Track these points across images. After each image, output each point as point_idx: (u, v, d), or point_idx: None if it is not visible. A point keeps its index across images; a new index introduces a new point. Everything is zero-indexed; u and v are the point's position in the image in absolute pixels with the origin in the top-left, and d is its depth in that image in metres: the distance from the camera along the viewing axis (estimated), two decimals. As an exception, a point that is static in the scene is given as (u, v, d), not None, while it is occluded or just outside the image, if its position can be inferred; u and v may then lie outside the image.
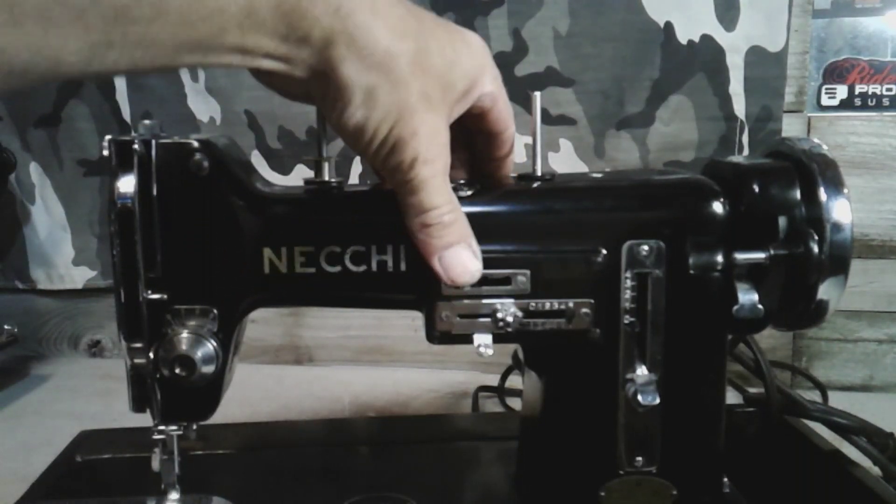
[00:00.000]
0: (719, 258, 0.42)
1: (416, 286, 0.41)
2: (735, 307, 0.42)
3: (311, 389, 0.84)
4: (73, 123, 0.89)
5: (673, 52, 0.78)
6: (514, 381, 0.75)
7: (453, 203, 0.38)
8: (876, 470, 0.51)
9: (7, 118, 0.90)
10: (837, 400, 0.70)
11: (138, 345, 0.41)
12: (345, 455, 0.58)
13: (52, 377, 0.90)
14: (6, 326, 0.89)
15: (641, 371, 0.43)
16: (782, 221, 0.42)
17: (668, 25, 0.78)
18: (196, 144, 0.40)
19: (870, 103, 0.80)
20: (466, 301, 0.41)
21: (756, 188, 0.43)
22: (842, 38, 0.80)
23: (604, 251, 0.42)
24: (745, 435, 0.58)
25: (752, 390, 0.63)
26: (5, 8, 0.27)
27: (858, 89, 0.80)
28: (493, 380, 0.79)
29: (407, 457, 0.57)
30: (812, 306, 0.42)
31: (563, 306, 0.42)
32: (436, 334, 0.42)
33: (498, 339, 0.42)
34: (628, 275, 0.42)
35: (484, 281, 0.40)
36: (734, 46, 0.78)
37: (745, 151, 0.80)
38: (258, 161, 0.87)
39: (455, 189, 0.40)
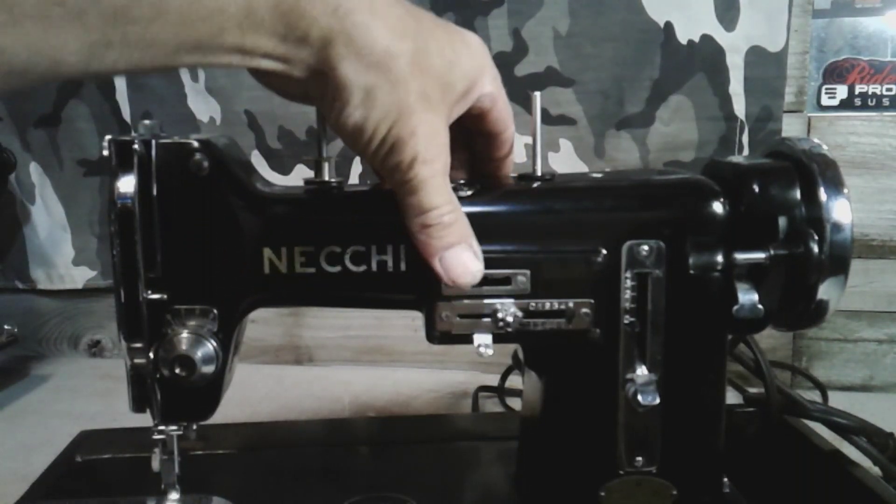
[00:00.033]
0: (719, 258, 0.42)
1: (416, 286, 0.41)
2: (735, 307, 0.42)
3: (311, 389, 0.84)
4: (73, 123, 0.89)
5: (673, 52, 0.78)
6: (514, 381, 0.75)
7: (453, 203, 0.38)
8: (876, 470, 0.51)
9: (7, 118, 0.90)
10: (837, 400, 0.70)
11: (138, 345, 0.41)
12: (345, 455, 0.58)
13: (52, 377, 0.90)
14: (6, 326, 0.89)
15: (641, 371, 0.43)
16: (782, 221, 0.42)
17: (668, 25, 0.78)
18: (196, 144, 0.40)
19: (870, 103, 0.80)
20: (466, 301, 0.41)
21: (756, 188, 0.43)
22: (842, 38, 0.80)
23: (604, 251, 0.42)
24: (745, 435, 0.58)
25: (752, 390, 0.63)
26: (5, 8, 0.27)
27: (858, 89, 0.80)
28: (493, 380, 0.79)
29: (407, 457, 0.57)
30: (812, 306, 0.42)
31: (563, 306, 0.42)
32: (436, 334, 0.42)
33: (498, 339, 0.42)
34: (628, 275, 0.42)
35: (484, 281, 0.40)
36: (734, 46, 0.78)
37: (745, 151, 0.80)
38: (258, 161, 0.87)
39: (455, 189, 0.40)
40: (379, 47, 0.34)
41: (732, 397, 0.56)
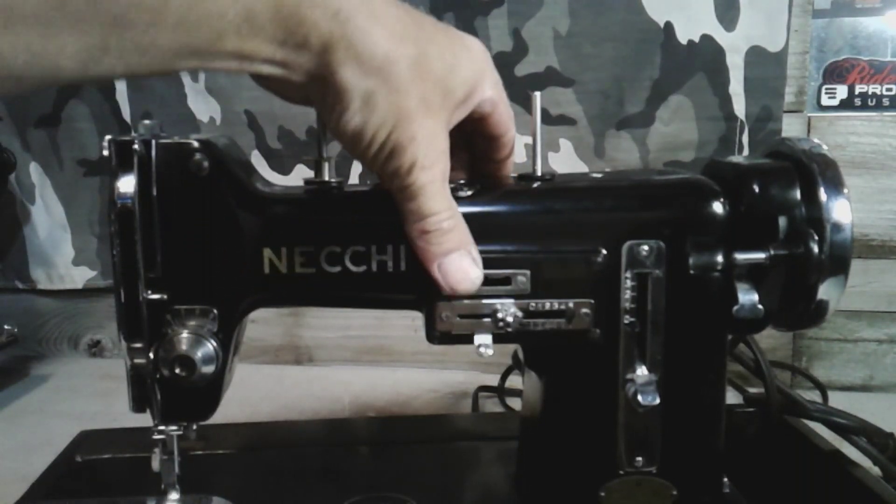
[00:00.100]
0: (719, 258, 0.42)
1: (416, 286, 0.41)
2: (735, 307, 0.42)
3: (311, 389, 0.84)
4: (73, 123, 0.89)
5: (673, 52, 0.78)
6: (514, 381, 0.75)
7: (452, 209, 0.38)
8: (876, 470, 0.51)
9: (7, 118, 0.90)
10: (837, 400, 0.70)
11: (138, 345, 0.41)
12: (345, 455, 0.58)
13: (52, 377, 0.90)
14: (6, 326, 0.89)
15: (641, 371, 0.43)
16: (782, 221, 0.42)
17: (668, 25, 0.78)
18: (196, 144, 0.40)
19: (870, 103, 0.80)
20: (466, 301, 0.41)
21: (756, 188, 0.43)
22: (842, 38, 0.80)
23: (604, 251, 0.42)
24: (745, 435, 0.58)
25: (752, 390, 0.63)
26: (2, 13, 0.27)
27: (858, 89, 0.80)
28: (493, 380, 0.79)
29: (407, 457, 0.57)
30: (812, 306, 0.42)
31: (563, 306, 0.42)
32: (436, 334, 0.42)
33: (498, 339, 0.42)
34: (628, 275, 0.42)
35: (484, 281, 0.40)
36: (734, 46, 0.78)
37: (745, 151, 0.80)
38: (258, 161, 0.87)
39: (455, 189, 0.40)
40: (379, 53, 0.33)
41: (732, 397, 0.56)
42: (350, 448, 0.59)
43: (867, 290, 0.83)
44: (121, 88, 0.87)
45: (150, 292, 0.40)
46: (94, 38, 0.29)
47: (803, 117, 0.81)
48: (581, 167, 0.83)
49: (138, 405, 0.43)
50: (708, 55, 0.78)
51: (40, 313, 0.98)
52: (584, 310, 0.42)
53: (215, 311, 0.41)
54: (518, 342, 0.48)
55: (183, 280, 0.41)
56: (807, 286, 0.42)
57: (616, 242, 0.42)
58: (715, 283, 0.42)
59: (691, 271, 0.42)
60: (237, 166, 0.42)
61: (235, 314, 0.42)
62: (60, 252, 0.94)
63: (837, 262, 0.41)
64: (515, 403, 0.75)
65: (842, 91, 0.80)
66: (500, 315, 0.41)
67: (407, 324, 0.89)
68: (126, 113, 0.88)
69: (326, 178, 0.43)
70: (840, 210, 0.41)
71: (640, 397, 0.41)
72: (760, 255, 0.42)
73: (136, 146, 0.39)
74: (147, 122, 0.40)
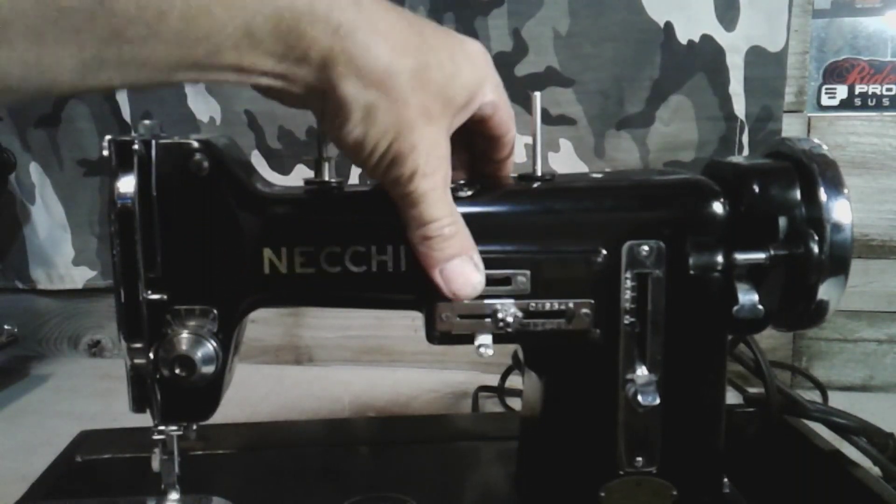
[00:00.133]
0: (719, 258, 0.42)
1: (416, 286, 0.41)
2: (735, 307, 0.41)
3: (311, 389, 0.84)
4: (73, 123, 0.89)
5: (673, 52, 0.78)
6: (514, 381, 0.75)
7: (454, 215, 0.38)
8: (876, 470, 0.51)
9: (7, 118, 0.90)
10: (837, 400, 0.70)
11: (138, 345, 0.41)
12: (345, 455, 0.58)
13: (52, 377, 0.90)
14: (6, 326, 0.89)
15: (641, 371, 0.43)
16: (782, 222, 0.42)
17: (668, 25, 0.78)
18: (196, 144, 0.40)
19: (870, 103, 0.80)
20: (466, 301, 0.41)
21: (756, 188, 0.43)
22: (842, 38, 0.80)
23: (604, 251, 0.42)
24: (745, 435, 0.58)
25: (752, 390, 0.63)
26: None
27: (858, 89, 0.80)
28: (493, 380, 0.79)
29: (407, 457, 0.57)
30: (812, 306, 0.42)
31: (563, 307, 0.42)
32: (436, 334, 0.42)
33: (498, 339, 0.42)
34: (628, 275, 0.42)
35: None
36: (734, 46, 0.78)
37: (745, 151, 0.80)
38: (258, 161, 0.87)
39: (455, 189, 0.40)
40: (379, 66, 0.33)
41: (732, 397, 0.56)
42: (350, 448, 0.59)
43: (867, 290, 0.83)
44: (121, 88, 0.87)
45: (150, 292, 0.40)
46: (91, 52, 0.28)
47: (803, 117, 0.81)
48: (581, 167, 0.83)
49: (138, 405, 0.43)
50: (708, 55, 0.78)
51: (40, 313, 0.98)
52: (584, 310, 0.42)
53: (215, 311, 0.41)
54: (518, 342, 0.48)
55: (183, 280, 0.41)
56: (807, 286, 0.42)
57: (616, 242, 0.42)
58: (715, 284, 0.42)
59: (691, 271, 0.42)
60: (237, 166, 0.42)
61: (235, 314, 0.42)
62: (60, 252, 0.94)
63: (837, 262, 0.41)
64: (515, 403, 0.75)
65: (842, 91, 0.80)
66: (500, 315, 0.41)
67: (407, 324, 0.89)
68: (126, 113, 0.88)
69: (326, 178, 0.43)
70: (840, 210, 0.41)
71: (640, 397, 0.41)
72: (760, 256, 0.42)
73: (136, 146, 0.39)
74: (147, 122, 0.40)
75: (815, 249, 0.41)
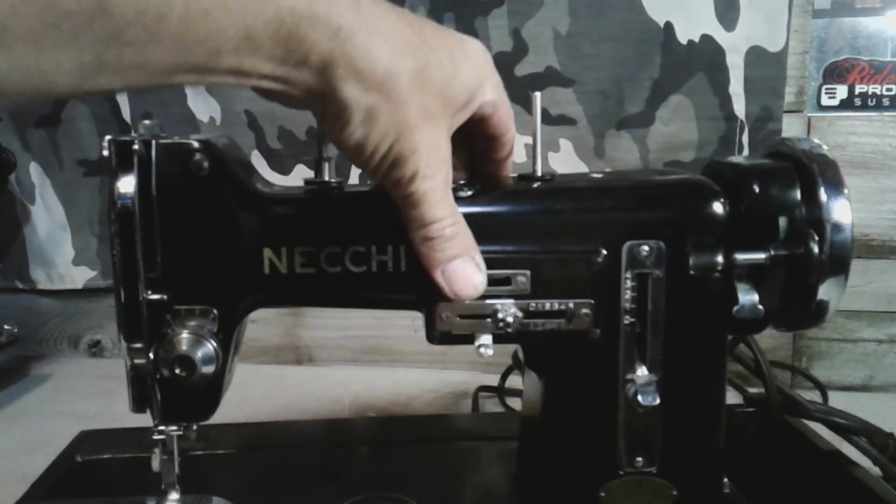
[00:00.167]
0: (719, 258, 0.42)
1: (416, 286, 0.41)
2: (735, 307, 0.42)
3: (311, 389, 0.84)
4: (73, 123, 0.89)
5: (673, 52, 0.78)
6: (514, 381, 0.75)
7: (455, 216, 0.38)
8: (876, 470, 0.51)
9: (7, 118, 0.90)
10: (837, 400, 0.70)
11: (138, 345, 0.41)
12: (345, 455, 0.58)
13: (52, 377, 0.90)
14: (6, 326, 0.89)
15: (641, 371, 0.43)
16: (782, 222, 0.42)
17: (668, 25, 0.78)
18: (196, 144, 0.40)
19: (870, 103, 0.80)
20: (467, 302, 0.41)
21: (756, 188, 0.43)
22: (842, 38, 0.80)
23: (604, 251, 0.42)
24: (745, 435, 0.58)
25: (752, 390, 0.63)
26: None
27: (858, 89, 0.80)
28: (493, 380, 0.79)
29: (407, 457, 0.57)
30: (812, 306, 0.42)
31: (563, 307, 0.42)
32: (436, 334, 0.42)
33: (498, 339, 0.42)
34: (628, 275, 0.42)
35: (484, 281, 0.40)
36: (734, 46, 0.78)
37: (745, 151, 0.80)
38: (258, 161, 0.87)
39: (455, 189, 0.40)
40: (380, 69, 0.33)
41: (732, 397, 0.56)
42: (350, 448, 0.59)
43: (867, 290, 0.83)
44: (121, 88, 0.87)
45: (150, 292, 0.40)
46: (90, 56, 0.28)
47: (803, 117, 0.81)
48: (581, 167, 0.83)
49: (138, 405, 0.43)
50: (708, 55, 0.78)
51: (40, 313, 0.98)
52: (585, 310, 0.42)
53: (215, 311, 0.41)
54: (518, 342, 0.48)
55: (183, 280, 0.41)
56: (807, 286, 0.42)
57: (616, 242, 0.42)
58: (715, 284, 0.42)
59: (691, 271, 0.42)
60: (237, 166, 0.41)
61: (235, 314, 0.42)
62: (60, 252, 0.94)
63: (837, 262, 0.41)
64: (515, 403, 0.75)
65: (842, 91, 0.80)
66: (500, 315, 0.41)
67: (407, 324, 0.89)
68: (126, 113, 0.88)
69: (326, 178, 0.43)
70: (840, 210, 0.41)
71: (640, 397, 0.41)
72: (761, 256, 0.42)
73: (136, 146, 0.39)
74: (147, 122, 0.40)
75: (816, 249, 0.41)
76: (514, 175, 0.46)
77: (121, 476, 0.55)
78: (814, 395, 0.73)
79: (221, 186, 0.40)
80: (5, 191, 0.91)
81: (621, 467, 0.44)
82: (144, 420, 0.44)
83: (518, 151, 0.68)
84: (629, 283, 0.42)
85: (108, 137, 0.40)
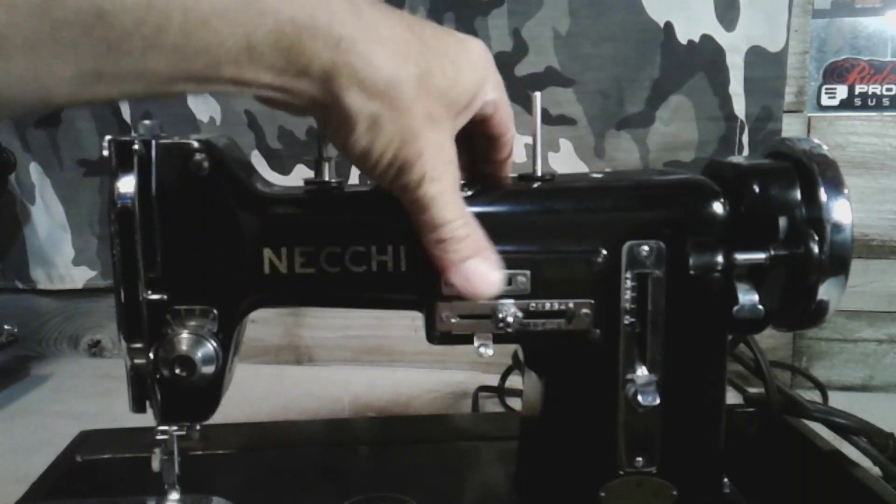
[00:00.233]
0: (719, 258, 0.42)
1: (416, 286, 0.41)
2: (735, 307, 0.42)
3: (311, 389, 0.84)
4: (73, 123, 0.89)
5: (673, 52, 0.78)
6: (514, 381, 0.75)
7: (466, 216, 0.38)
8: (876, 470, 0.51)
9: (7, 118, 0.90)
10: (837, 400, 0.70)
11: (138, 345, 0.41)
12: (345, 455, 0.58)
13: (52, 377, 0.90)
14: (6, 326, 0.89)
15: (641, 371, 0.43)
16: (782, 222, 0.42)
17: (668, 25, 0.78)
18: (196, 144, 0.40)
19: (870, 103, 0.80)
20: (466, 301, 0.41)
21: (756, 188, 0.43)
22: (842, 38, 0.80)
23: (604, 251, 0.42)
24: (745, 435, 0.58)
25: (752, 390, 0.63)
26: None
27: (858, 89, 0.80)
28: (493, 380, 0.79)
29: (407, 457, 0.57)
30: (812, 306, 0.42)
31: (563, 307, 0.42)
32: (436, 334, 0.42)
33: (498, 339, 0.42)
34: (628, 275, 0.42)
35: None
36: (734, 46, 0.78)
37: (745, 151, 0.80)
38: (258, 161, 0.87)
39: (455, 190, 0.40)
40: (382, 76, 0.33)
41: (732, 397, 0.56)
42: (350, 448, 0.59)
43: (867, 290, 0.83)
44: (121, 88, 0.87)
45: (150, 292, 0.40)
46: (88, 66, 0.28)
47: (803, 117, 0.81)
48: (581, 167, 0.83)
49: (138, 405, 0.43)
50: (708, 55, 0.78)
51: (40, 313, 0.98)
52: (585, 310, 0.42)
53: (215, 311, 0.41)
54: (518, 342, 0.48)
55: (183, 280, 0.41)
56: (807, 286, 0.42)
57: (616, 243, 0.42)
58: (715, 284, 0.42)
59: (691, 271, 0.42)
60: (237, 166, 0.41)
61: (235, 314, 0.42)
62: (60, 252, 0.94)
63: (837, 262, 0.41)
64: (515, 403, 0.75)
65: (842, 91, 0.80)
66: (500, 315, 0.41)
67: (407, 324, 0.89)
68: (126, 113, 0.88)
69: (326, 178, 0.43)
70: (840, 210, 0.41)
71: (640, 397, 0.41)
72: (760, 256, 0.42)
73: (136, 146, 0.39)
74: (147, 122, 0.40)
75: (815, 249, 0.41)
76: (514, 175, 0.46)
77: (121, 476, 0.55)
78: (814, 395, 0.73)
79: (221, 186, 0.40)
80: (5, 191, 0.91)
81: (621, 467, 0.44)
82: (144, 420, 0.44)
83: (518, 151, 0.68)
84: (629, 283, 0.42)
85: (108, 137, 0.40)
